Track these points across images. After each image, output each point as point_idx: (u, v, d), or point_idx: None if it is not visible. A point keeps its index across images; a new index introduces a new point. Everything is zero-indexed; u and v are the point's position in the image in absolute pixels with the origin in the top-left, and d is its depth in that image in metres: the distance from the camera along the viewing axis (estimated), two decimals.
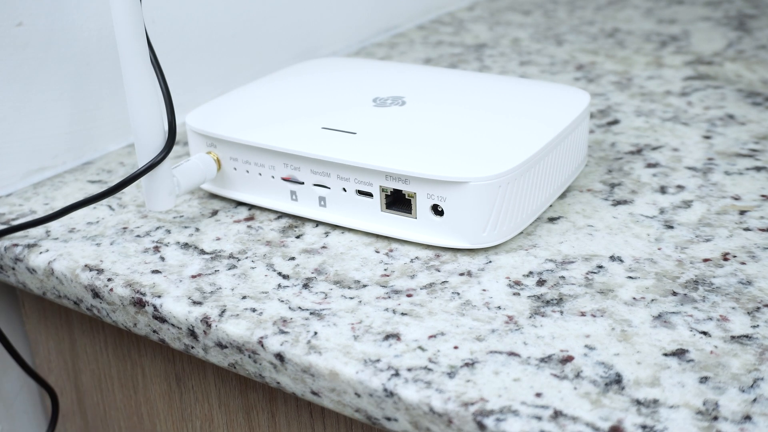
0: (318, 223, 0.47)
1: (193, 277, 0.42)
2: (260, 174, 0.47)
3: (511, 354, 0.35)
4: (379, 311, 0.39)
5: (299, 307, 0.39)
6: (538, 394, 0.33)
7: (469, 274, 0.41)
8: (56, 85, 0.54)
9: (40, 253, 0.46)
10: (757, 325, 0.36)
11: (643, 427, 0.31)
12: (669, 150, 0.54)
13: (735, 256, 0.42)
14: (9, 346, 0.48)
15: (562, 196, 0.48)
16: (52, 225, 0.48)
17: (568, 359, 0.35)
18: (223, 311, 0.39)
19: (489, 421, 0.32)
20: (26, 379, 0.58)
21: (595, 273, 0.41)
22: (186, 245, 0.45)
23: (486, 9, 0.94)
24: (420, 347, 0.36)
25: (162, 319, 0.41)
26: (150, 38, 0.52)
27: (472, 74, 0.55)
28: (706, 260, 0.42)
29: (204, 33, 0.64)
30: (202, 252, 0.45)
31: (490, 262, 0.42)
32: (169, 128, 0.44)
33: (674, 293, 0.39)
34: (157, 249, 0.45)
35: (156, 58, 0.49)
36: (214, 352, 0.39)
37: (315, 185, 0.45)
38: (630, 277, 0.40)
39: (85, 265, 0.44)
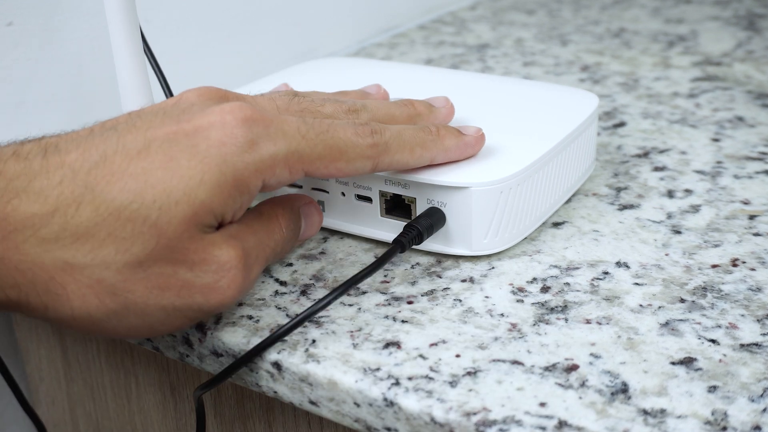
0: None
1: None
2: None
3: (515, 362, 0.34)
4: (379, 318, 0.38)
5: (297, 315, 0.38)
6: (543, 404, 0.32)
7: (472, 280, 0.40)
8: (49, 87, 0.53)
9: None
10: (767, 333, 0.36)
11: None
12: (676, 153, 0.54)
13: (744, 262, 0.41)
14: (9, 377, 0.47)
15: (567, 200, 0.47)
16: None
17: (573, 368, 0.34)
18: (219, 319, 0.38)
19: None
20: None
21: (600, 279, 0.40)
22: None
23: (488, 8, 0.93)
24: (421, 355, 0.35)
25: None
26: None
27: (474, 75, 0.55)
28: (714, 266, 0.41)
29: (200, 33, 0.64)
30: None
31: (493, 268, 0.41)
32: None
33: (682, 300, 0.38)
34: None
35: (155, 59, 0.48)
36: (210, 360, 0.38)
37: (313, 189, 0.44)
38: (636, 284, 0.40)
39: None
